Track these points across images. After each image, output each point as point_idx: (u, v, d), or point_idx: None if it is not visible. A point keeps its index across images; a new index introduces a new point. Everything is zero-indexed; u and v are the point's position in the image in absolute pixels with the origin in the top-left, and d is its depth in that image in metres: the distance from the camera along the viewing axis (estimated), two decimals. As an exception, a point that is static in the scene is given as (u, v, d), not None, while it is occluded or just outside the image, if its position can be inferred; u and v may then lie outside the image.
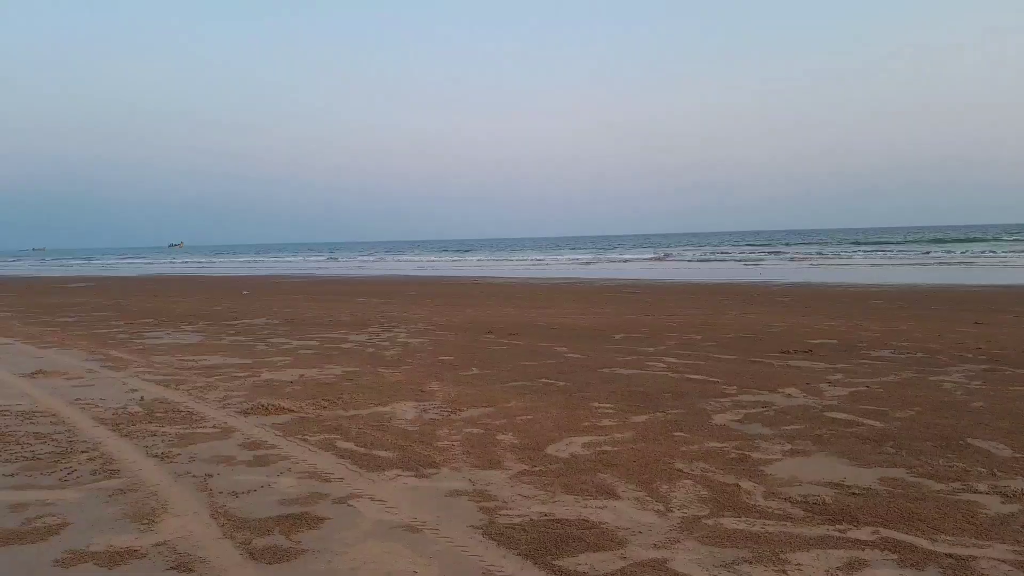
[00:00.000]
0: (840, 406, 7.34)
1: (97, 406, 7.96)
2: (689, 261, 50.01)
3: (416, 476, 5.43)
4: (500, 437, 6.43)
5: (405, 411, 7.51)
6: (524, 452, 5.97)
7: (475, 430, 6.69)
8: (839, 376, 8.85)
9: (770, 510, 4.62)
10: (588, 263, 49.38)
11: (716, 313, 16.73)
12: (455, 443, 6.29)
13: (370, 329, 14.97)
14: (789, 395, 7.91)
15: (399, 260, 65.72)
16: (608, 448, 6.03)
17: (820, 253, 56.05)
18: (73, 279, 44.65)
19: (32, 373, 10.08)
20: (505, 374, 9.49)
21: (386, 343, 12.86)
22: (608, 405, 7.58)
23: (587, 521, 4.48)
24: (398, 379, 9.28)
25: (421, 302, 21.75)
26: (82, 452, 6.17)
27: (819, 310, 16.98)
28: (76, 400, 8.28)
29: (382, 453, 6.02)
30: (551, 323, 15.31)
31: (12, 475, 5.58)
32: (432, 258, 71.17)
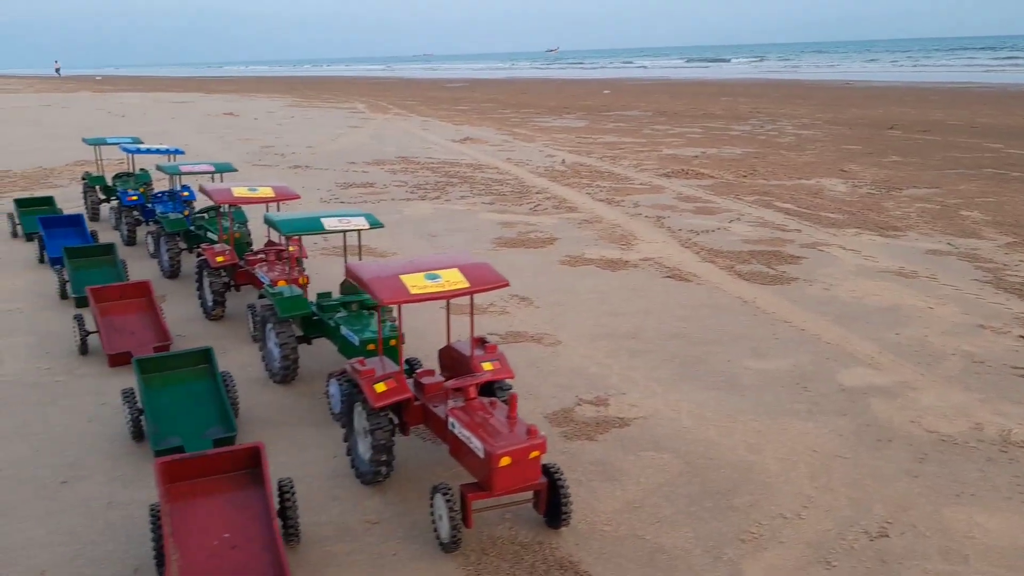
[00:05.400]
0: None
1: (527, 164, 8.76)
2: None
3: (880, 236, 5.09)
4: (964, 213, 5.73)
5: (833, 185, 7.05)
6: (1005, 227, 5.25)
7: (928, 205, 6.04)
8: None
9: None
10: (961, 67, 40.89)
11: None
12: (910, 213, 5.75)
13: (750, 122, 14.25)
14: None
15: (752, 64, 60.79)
16: (1123, 231, 5.03)
17: None
18: (451, 80, 49.34)
19: (461, 140, 11.42)
20: (935, 163, 8.39)
21: (775, 132, 12.14)
22: (1098, 194, 6.31)
23: None
24: (808, 160, 8.73)
25: (793, 102, 20.08)
26: (536, 193, 6.86)
27: None
28: (508, 159, 9.21)
29: (830, 215, 5.74)
30: (967, 122, 13.10)
31: (490, 203, 6.43)
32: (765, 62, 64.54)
